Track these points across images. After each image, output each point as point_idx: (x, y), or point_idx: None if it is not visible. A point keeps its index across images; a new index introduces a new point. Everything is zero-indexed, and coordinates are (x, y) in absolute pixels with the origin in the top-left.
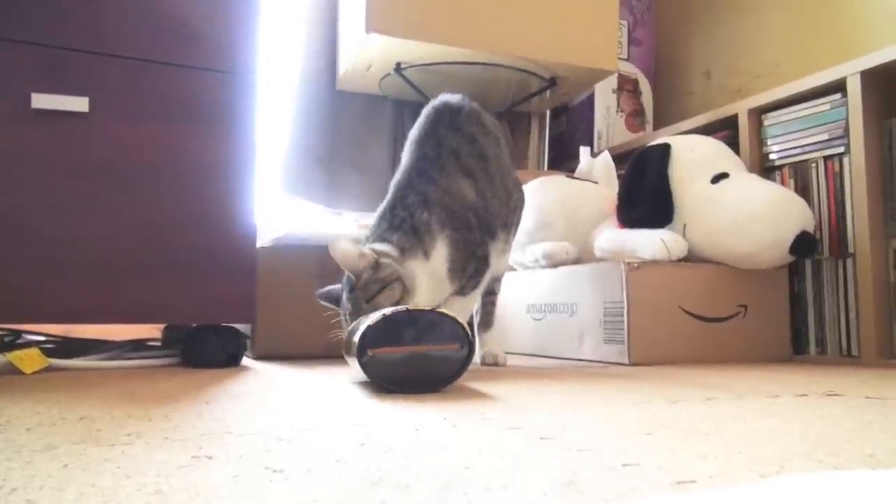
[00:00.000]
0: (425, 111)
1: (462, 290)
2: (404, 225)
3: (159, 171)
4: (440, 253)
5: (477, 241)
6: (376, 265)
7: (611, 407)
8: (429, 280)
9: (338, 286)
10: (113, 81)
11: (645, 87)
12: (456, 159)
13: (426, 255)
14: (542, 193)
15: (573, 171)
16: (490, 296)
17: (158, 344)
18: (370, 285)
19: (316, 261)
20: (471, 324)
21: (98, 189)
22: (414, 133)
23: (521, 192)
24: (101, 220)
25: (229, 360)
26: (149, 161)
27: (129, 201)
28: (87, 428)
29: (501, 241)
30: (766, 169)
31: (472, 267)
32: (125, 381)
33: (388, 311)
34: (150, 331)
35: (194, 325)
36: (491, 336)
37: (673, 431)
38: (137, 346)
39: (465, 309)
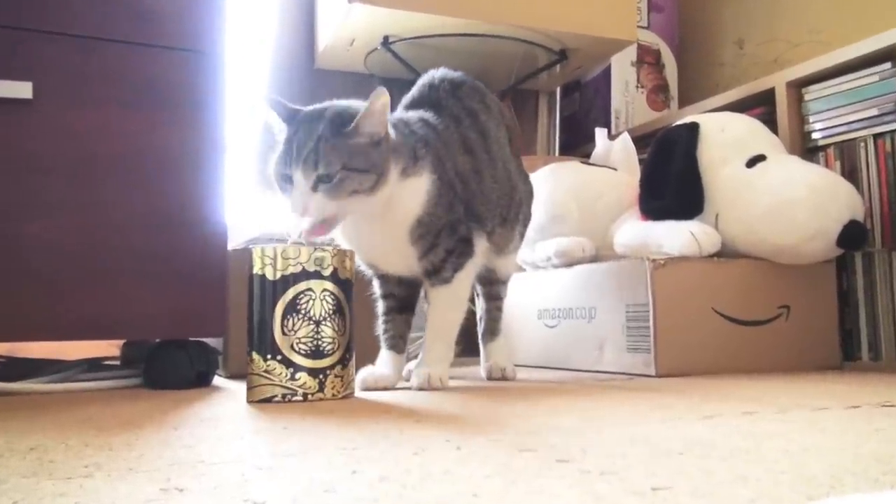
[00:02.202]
0: (420, 82)
1: (438, 271)
2: (406, 139)
3: (114, 164)
4: (418, 188)
5: (458, 216)
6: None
7: (637, 425)
8: (393, 202)
9: None
10: (60, 63)
11: (668, 59)
12: (456, 126)
13: (405, 173)
14: (553, 182)
15: (588, 155)
16: (495, 301)
17: (117, 363)
18: (358, 148)
19: None
20: (473, 330)
21: (43, 186)
22: (405, 100)
23: (530, 186)
24: (48, 222)
25: (198, 380)
26: (102, 152)
27: (79, 199)
28: (39, 459)
29: (498, 236)
30: (808, 149)
31: (447, 241)
32: (80, 406)
33: None
34: (108, 348)
35: (157, 340)
36: (497, 346)
37: (708, 451)
38: (93, 366)
39: (454, 305)
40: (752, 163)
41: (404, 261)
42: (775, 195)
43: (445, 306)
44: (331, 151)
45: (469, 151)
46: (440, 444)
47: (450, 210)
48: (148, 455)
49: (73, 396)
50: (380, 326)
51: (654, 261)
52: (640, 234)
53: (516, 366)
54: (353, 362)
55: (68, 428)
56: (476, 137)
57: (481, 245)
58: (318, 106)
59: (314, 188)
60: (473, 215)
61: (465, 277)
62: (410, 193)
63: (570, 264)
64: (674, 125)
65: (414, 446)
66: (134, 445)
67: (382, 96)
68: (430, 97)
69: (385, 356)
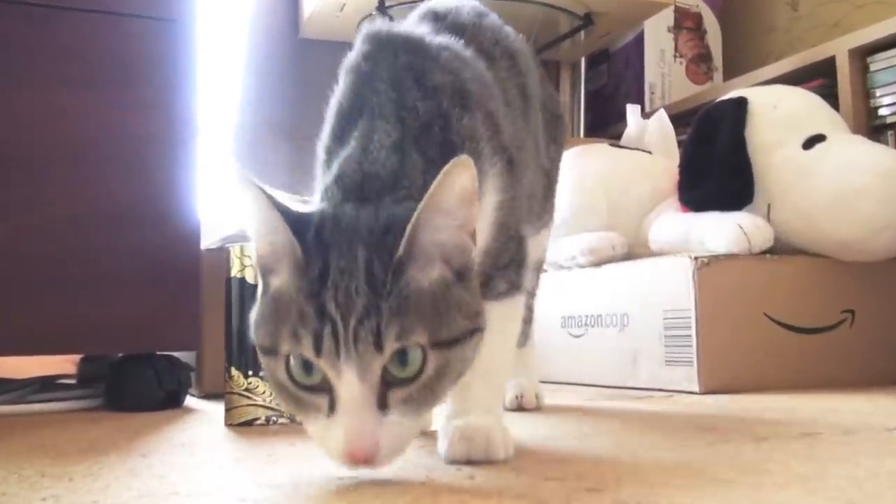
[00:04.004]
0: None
1: (493, 285)
2: (432, 127)
3: (67, 153)
4: (486, 200)
5: (520, 199)
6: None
7: (680, 449)
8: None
9: None
10: (10, 36)
11: (711, 23)
12: (490, 63)
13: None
14: (578, 168)
15: (618, 137)
16: (531, 297)
17: (73, 381)
18: None
19: None
20: None
21: None
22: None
23: (561, 154)
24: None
25: (168, 400)
26: (57, 139)
27: (29, 193)
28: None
29: (535, 216)
30: (874, 128)
31: (510, 247)
32: (33, 430)
33: None
34: (62, 364)
35: (120, 355)
36: (524, 360)
37: (762, 478)
38: (46, 385)
39: (507, 329)
40: (809, 144)
41: None
42: (837, 182)
43: (492, 328)
44: (405, 312)
45: (508, 104)
46: (451, 471)
47: (518, 197)
48: (114, 486)
49: (24, 420)
50: None
51: (696, 259)
52: (680, 228)
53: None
54: None
55: (21, 455)
56: (512, 80)
57: (529, 234)
58: (362, 209)
59: (381, 402)
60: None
61: (521, 295)
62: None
63: (598, 264)
64: (718, 101)
65: (420, 475)
66: (97, 475)
67: (465, 170)
68: (448, 20)
69: None
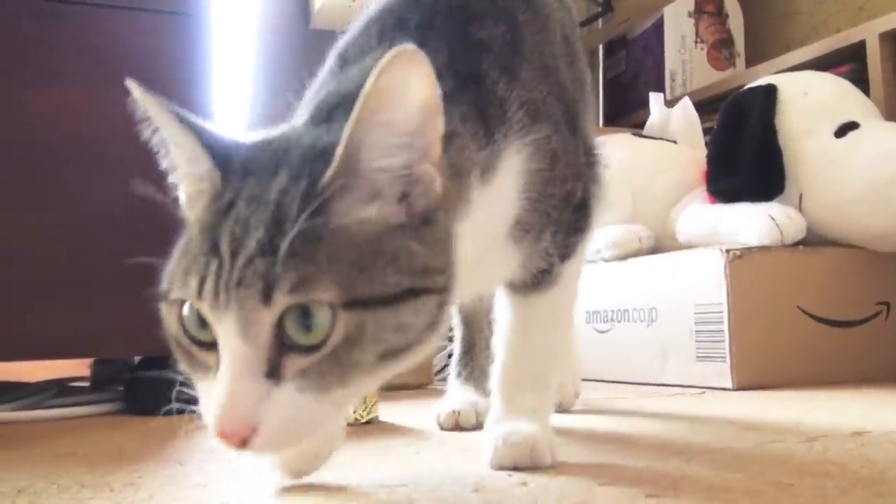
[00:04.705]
0: None
1: (546, 271)
2: (468, 87)
3: (80, 152)
4: (512, 176)
5: (574, 158)
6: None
7: (730, 450)
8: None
9: None
10: (19, 31)
11: (733, 7)
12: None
13: (485, 174)
14: None
15: (639, 126)
16: None
17: (86, 385)
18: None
19: None
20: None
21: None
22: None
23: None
24: (1, 220)
25: (187, 403)
26: (65, 138)
27: (42, 194)
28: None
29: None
30: None
31: (564, 215)
32: (56, 437)
33: None
34: (75, 367)
35: (138, 357)
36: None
37: (823, 481)
38: (63, 390)
39: (558, 318)
40: (841, 132)
41: (501, 275)
42: (871, 171)
43: (544, 322)
44: (310, 257)
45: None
46: (501, 479)
47: (566, 159)
48: (159, 496)
49: (44, 426)
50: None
51: (728, 251)
52: (709, 219)
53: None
54: None
55: (53, 464)
56: (542, 37)
57: (597, 209)
58: (280, 130)
59: (272, 370)
60: (587, 147)
61: (576, 271)
62: (502, 191)
63: (624, 257)
64: (746, 88)
65: (471, 482)
66: (138, 485)
67: (414, 64)
68: None
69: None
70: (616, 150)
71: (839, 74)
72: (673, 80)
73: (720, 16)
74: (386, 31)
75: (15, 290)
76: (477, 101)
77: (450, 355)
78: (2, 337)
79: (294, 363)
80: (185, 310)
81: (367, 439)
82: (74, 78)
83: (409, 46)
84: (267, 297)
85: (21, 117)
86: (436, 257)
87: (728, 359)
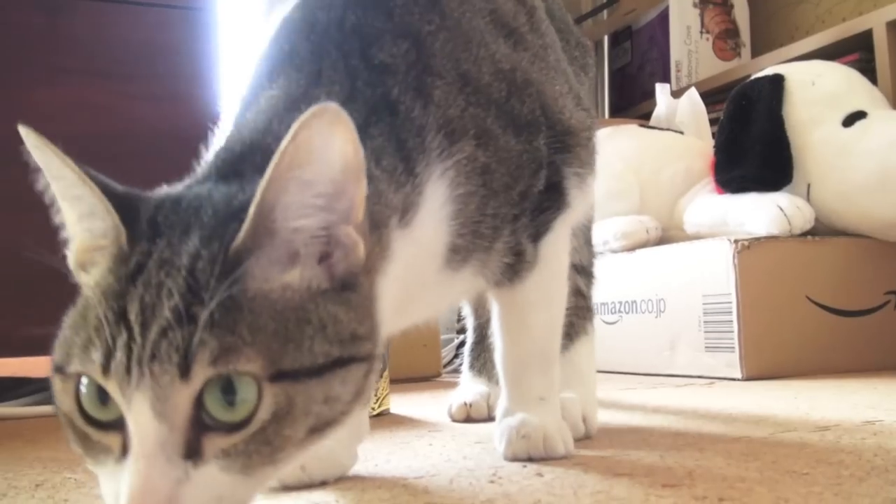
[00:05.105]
0: None
1: (516, 262)
2: (380, 119)
3: (87, 149)
4: (436, 209)
5: (519, 159)
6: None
7: (743, 440)
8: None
9: None
10: (26, 27)
11: None
12: None
13: (404, 217)
14: (607, 151)
15: (645, 117)
16: (579, 275)
17: None
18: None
19: None
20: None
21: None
22: None
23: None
24: (12, 218)
25: None
26: (72, 135)
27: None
28: (52, 499)
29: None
30: None
31: (527, 205)
32: None
33: None
34: None
35: None
36: (574, 364)
37: (838, 469)
38: None
39: (549, 296)
40: (849, 121)
41: (459, 294)
42: (880, 160)
43: (534, 302)
44: (231, 326)
45: (509, 34)
46: (516, 470)
47: (509, 157)
48: None
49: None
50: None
51: (736, 242)
52: (717, 209)
53: None
54: (386, 372)
55: (70, 458)
56: (513, 6)
57: (579, 187)
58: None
59: (190, 450)
60: (556, 132)
61: (557, 244)
62: (426, 228)
63: (632, 248)
64: (753, 78)
65: (486, 473)
66: None
67: (332, 123)
68: None
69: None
70: (624, 142)
71: (846, 63)
72: (679, 71)
73: (726, 6)
74: (276, 67)
75: (20, 288)
76: (391, 134)
77: (458, 347)
78: (13, 334)
79: (214, 443)
80: (83, 386)
81: (380, 432)
82: (81, 74)
83: (330, 105)
84: (185, 372)
85: (30, 112)
86: (361, 323)
87: (737, 349)
